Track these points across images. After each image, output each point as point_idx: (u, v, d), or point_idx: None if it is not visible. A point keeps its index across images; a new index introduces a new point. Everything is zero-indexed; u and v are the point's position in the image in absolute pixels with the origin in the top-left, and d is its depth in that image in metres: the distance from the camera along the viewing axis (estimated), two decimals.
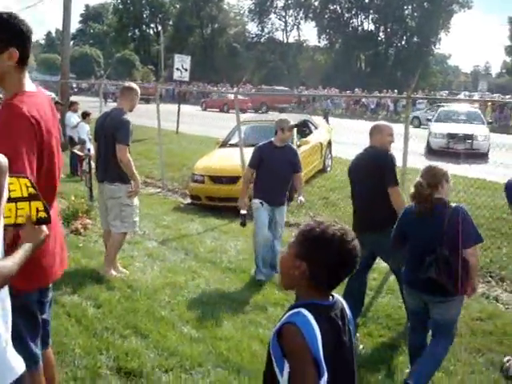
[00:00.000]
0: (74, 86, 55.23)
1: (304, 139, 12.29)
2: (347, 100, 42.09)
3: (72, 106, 14.89)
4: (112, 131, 6.15)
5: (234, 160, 10.54)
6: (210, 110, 38.98)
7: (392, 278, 6.73)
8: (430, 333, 4.32)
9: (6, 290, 2.05)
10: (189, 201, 11.42)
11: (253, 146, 11.75)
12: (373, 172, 5.15)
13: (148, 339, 4.67)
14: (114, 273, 6.31)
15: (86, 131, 13.60)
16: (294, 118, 13.35)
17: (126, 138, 6.13)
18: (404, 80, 52.38)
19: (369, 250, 4.92)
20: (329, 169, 13.83)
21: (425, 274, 3.92)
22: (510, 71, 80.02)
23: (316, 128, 13.87)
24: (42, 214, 2.18)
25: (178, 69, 22.89)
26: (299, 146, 11.90)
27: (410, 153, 8.03)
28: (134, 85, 6.68)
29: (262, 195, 6.87)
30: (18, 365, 2.10)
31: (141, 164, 15.74)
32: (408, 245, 4.24)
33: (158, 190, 12.84)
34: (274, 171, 6.81)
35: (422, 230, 4.07)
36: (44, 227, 2.23)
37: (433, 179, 4.07)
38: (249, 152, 10.74)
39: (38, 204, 2.17)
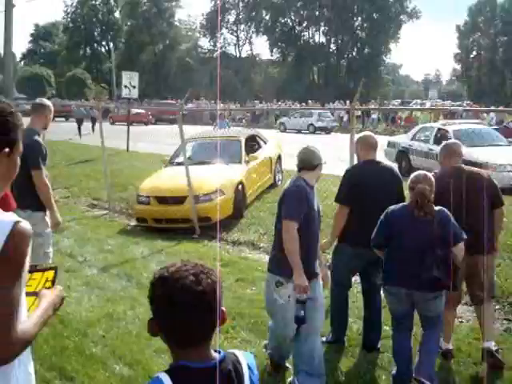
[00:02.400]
0: (27, 107, 53.94)
1: (252, 154, 12.02)
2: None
3: None
4: (25, 153, 5.70)
5: (180, 179, 10.19)
6: (118, 123, 38.96)
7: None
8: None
9: (28, 354, 2.07)
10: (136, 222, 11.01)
11: (201, 163, 11.59)
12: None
13: (73, 382, 4.28)
14: None
15: None
16: (242, 133, 13.19)
17: (37, 160, 5.46)
18: (356, 90, 52.88)
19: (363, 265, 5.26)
20: (279, 183, 13.58)
21: (429, 272, 4.18)
22: (460, 78, 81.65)
23: (265, 143, 13.64)
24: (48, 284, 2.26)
25: (126, 86, 22.39)
26: (248, 162, 11.65)
27: None
28: (46, 101, 6.13)
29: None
30: None
31: (88, 185, 15.31)
32: (396, 246, 4.40)
33: (105, 212, 12.40)
34: None
35: (418, 231, 4.29)
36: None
37: (431, 185, 4.33)
38: (195, 170, 10.52)
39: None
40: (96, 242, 9.42)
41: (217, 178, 10.61)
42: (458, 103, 45.69)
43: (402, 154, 16.51)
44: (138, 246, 9.16)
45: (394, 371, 4.52)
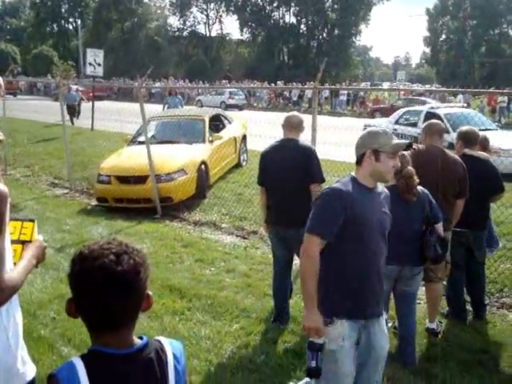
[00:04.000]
0: None
1: (217, 134, 11.87)
2: (270, 93, 41.94)
3: None
4: None
5: (141, 158, 9.99)
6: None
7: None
8: None
9: (16, 301, 2.34)
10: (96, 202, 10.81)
11: (164, 142, 11.40)
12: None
13: None
14: None
15: None
16: (204, 112, 13.02)
17: None
18: (326, 72, 52.80)
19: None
20: (244, 163, 13.48)
21: (434, 252, 4.30)
22: (429, 61, 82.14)
23: (230, 122, 13.49)
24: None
25: (90, 64, 21.97)
26: (212, 142, 11.51)
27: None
28: None
29: None
30: (29, 371, 2.33)
31: (50, 164, 15.03)
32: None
33: (66, 191, 12.17)
34: None
35: (407, 213, 4.28)
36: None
37: (414, 166, 4.37)
38: (158, 149, 10.34)
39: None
40: (54, 221, 9.22)
41: (179, 158, 10.47)
42: (427, 86, 45.92)
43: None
44: (97, 226, 8.99)
45: None
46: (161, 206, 9.93)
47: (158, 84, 46.24)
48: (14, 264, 2.27)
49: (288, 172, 5.13)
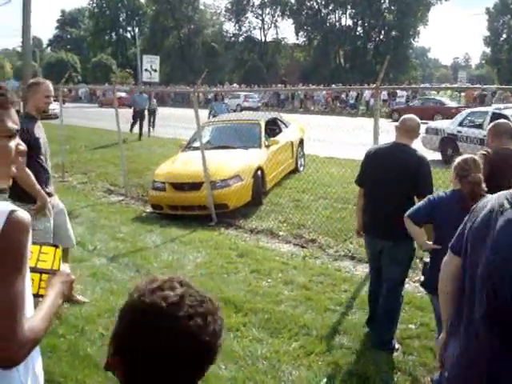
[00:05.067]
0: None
1: (273, 139, 11.53)
2: (326, 96, 41.45)
3: None
4: None
5: (196, 164, 9.77)
6: (106, 107, 38.43)
7: (365, 290, 6.05)
8: None
9: (37, 352, 1.95)
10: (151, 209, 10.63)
11: (219, 148, 11.16)
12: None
13: None
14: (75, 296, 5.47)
15: None
16: (260, 116, 12.71)
17: None
18: (384, 74, 51.87)
19: None
20: (302, 168, 13.09)
21: None
22: (490, 62, 79.85)
23: (286, 126, 13.12)
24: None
25: (146, 70, 22.04)
26: (268, 147, 11.18)
27: None
28: (41, 80, 5.37)
29: None
30: None
31: (106, 171, 15.00)
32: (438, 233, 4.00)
33: (121, 198, 12.05)
34: None
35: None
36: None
37: (480, 171, 3.91)
38: (213, 155, 10.09)
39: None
40: (109, 229, 9.06)
41: (235, 164, 10.18)
42: (494, 86, 44.40)
43: (448, 141, 15.26)
44: (151, 234, 8.77)
45: None
46: (216, 214, 9.65)
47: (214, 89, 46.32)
48: (33, 295, 1.93)
49: (392, 180, 4.70)
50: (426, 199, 4.09)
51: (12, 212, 1.70)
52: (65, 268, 2.12)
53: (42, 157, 5.14)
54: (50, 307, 1.87)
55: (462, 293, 2.21)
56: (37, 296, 1.99)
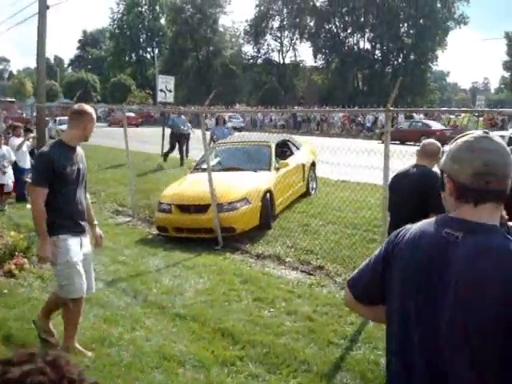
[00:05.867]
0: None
1: (283, 161, 11.25)
2: (343, 119, 41.25)
3: (15, 131, 13.46)
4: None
5: (203, 186, 9.52)
6: (114, 126, 41.39)
7: (372, 322, 5.71)
8: None
9: None
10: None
11: (228, 169, 10.92)
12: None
13: None
14: (78, 347, 4.88)
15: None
16: (272, 139, 12.46)
17: (35, 176, 4.60)
18: (402, 98, 51.56)
19: None
20: (313, 191, 12.77)
21: None
22: (509, 86, 79.30)
23: (298, 148, 12.83)
24: None
25: (161, 90, 21.93)
26: (278, 169, 10.92)
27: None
28: (86, 107, 4.88)
29: None
30: None
31: (116, 191, 14.81)
32: None
33: (128, 219, 11.83)
34: None
35: None
36: None
37: None
38: (221, 177, 9.85)
39: None
40: (111, 251, 8.79)
41: (243, 186, 9.93)
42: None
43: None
44: (154, 257, 8.51)
45: None
46: (222, 237, 9.38)
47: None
48: None
49: (406, 200, 4.85)
50: None
51: None
52: None
53: (78, 190, 4.76)
54: None
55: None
56: None
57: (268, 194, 10.09)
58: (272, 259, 8.63)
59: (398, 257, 1.99)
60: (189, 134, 20.22)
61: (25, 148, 13.06)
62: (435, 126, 33.16)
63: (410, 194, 4.79)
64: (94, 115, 4.82)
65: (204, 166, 10.94)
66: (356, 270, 2.23)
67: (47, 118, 41.53)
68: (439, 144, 5.12)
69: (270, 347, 5.12)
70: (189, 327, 5.63)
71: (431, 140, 5.21)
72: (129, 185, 14.13)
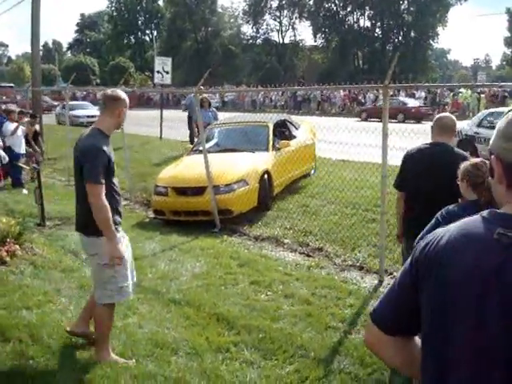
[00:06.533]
0: (79, 93, 53.69)
1: (284, 141, 11.02)
2: (343, 98, 40.88)
3: (9, 115, 13.13)
4: (80, 163, 4.26)
5: (200, 168, 9.33)
6: None
7: (372, 304, 5.56)
8: None
9: None
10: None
11: (226, 151, 10.72)
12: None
13: None
14: (113, 356, 4.49)
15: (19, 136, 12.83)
16: (269, 118, 12.24)
17: (95, 173, 4.12)
18: (403, 76, 51.12)
19: None
20: (313, 172, 12.53)
21: None
22: (510, 62, 78.59)
23: (296, 128, 12.57)
24: None
25: (158, 72, 21.68)
26: (279, 149, 10.72)
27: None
28: (120, 92, 4.52)
29: None
30: None
31: None
32: None
33: (126, 202, 11.64)
34: None
35: None
36: None
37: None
38: (217, 159, 9.66)
39: None
40: None
41: (240, 167, 9.76)
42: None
43: (466, 143, 14.43)
44: (150, 241, 8.36)
45: None
46: (220, 220, 9.24)
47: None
48: None
49: (438, 180, 4.38)
50: (432, 221, 3.51)
51: None
52: None
53: (115, 180, 4.53)
54: None
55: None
56: None
57: (266, 175, 9.92)
58: (270, 241, 8.49)
59: (433, 272, 1.55)
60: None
61: (19, 133, 12.88)
62: (412, 103, 33.91)
63: (446, 178, 4.17)
64: (128, 100, 4.52)
65: (201, 147, 10.77)
66: (378, 300, 1.79)
67: (56, 103, 41.40)
68: (454, 117, 4.87)
69: (266, 332, 4.98)
70: (183, 313, 5.49)
71: (446, 114, 4.95)
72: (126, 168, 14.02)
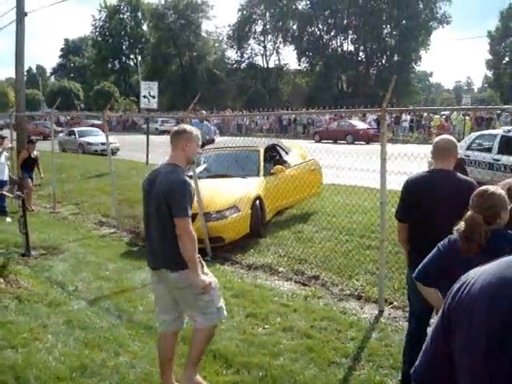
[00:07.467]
0: (62, 119, 53.45)
1: (278, 166, 10.74)
2: (329, 122, 40.91)
3: None
4: (164, 199, 4.18)
5: None
6: None
7: (374, 337, 5.34)
8: None
9: None
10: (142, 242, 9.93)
11: (216, 176, 10.48)
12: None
13: None
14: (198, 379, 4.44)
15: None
16: (259, 143, 12.02)
17: (184, 207, 4.12)
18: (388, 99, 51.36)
19: None
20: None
21: None
22: (492, 85, 79.51)
23: (287, 153, 12.31)
24: None
25: (145, 96, 21.48)
26: (272, 174, 10.49)
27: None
28: (187, 126, 4.52)
29: None
30: None
31: (99, 201, 14.33)
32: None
33: (113, 230, 11.37)
34: None
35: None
36: None
37: (490, 211, 3.04)
38: (208, 184, 9.42)
39: None
40: (94, 266, 8.36)
41: (231, 193, 9.51)
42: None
43: (456, 166, 14.43)
44: (140, 271, 8.04)
45: None
46: (211, 247, 8.96)
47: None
48: None
49: (444, 209, 4.02)
50: (435, 249, 3.34)
51: None
52: None
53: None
54: None
55: None
56: None
57: (258, 201, 9.68)
58: (264, 270, 8.22)
59: (464, 322, 1.39)
60: (213, 140, 16.99)
61: (2, 159, 12.56)
62: (360, 125, 36.74)
63: (452, 205, 3.86)
64: (196, 133, 4.42)
65: (190, 173, 10.51)
66: (418, 360, 1.61)
67: (59, 129, 40.99)
68: (453, 138, 4.55)
69: (266, 370, 4.71)
70: (177, 350, 5.19)
71: (444, 136, 4.57)
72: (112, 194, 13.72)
